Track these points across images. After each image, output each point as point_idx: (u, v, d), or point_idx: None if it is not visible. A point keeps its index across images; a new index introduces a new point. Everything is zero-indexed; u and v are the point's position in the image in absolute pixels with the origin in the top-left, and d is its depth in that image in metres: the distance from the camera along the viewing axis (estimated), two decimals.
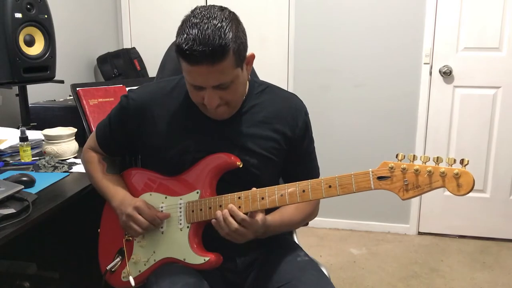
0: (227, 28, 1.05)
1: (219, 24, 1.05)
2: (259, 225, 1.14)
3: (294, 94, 1.34)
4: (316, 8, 2.93)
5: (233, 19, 1.09)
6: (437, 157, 0.99)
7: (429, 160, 1.00)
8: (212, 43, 1.03)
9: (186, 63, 1.07)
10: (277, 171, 1.32)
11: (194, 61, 1.05)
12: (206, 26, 1.04)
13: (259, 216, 1.14)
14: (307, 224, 1.59)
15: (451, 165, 0.98)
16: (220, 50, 1.04)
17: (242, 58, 1.12)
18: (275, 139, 1.25)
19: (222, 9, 1.11)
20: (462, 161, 0.96)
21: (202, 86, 1.11)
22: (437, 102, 2.90)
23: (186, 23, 1.06)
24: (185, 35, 1.04)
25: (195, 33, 1.03)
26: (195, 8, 1.11)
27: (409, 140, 2.97)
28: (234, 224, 1.11)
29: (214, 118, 1.21)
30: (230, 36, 1.05)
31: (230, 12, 1.11)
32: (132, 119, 1.28)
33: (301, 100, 1.33)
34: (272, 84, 1.33)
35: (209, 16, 1.06)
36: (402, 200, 1.04)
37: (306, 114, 1.31)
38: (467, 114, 2.88)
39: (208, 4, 1.13)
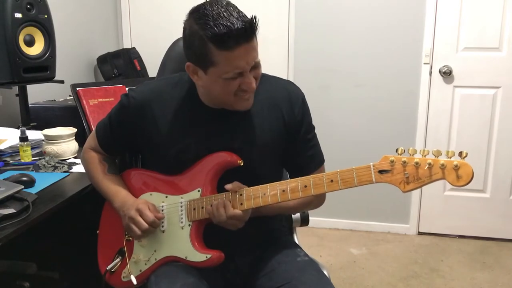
0: (239, 10, 1.10)
1: (234, 9, 1.09)
2: (248, 216, 1.17)
3: (290, 81, 1.35)
4: (316, 8, 2.93)
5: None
6: (437, 150, 1.01)
7: (428, 153, 1.02)
8: (244, 21, 1.06)
9: (226, 50, 1.07)
10: (279, 160, 1.32)
11: (235, 43, 1.06)
12: (228, 13, 1.07)
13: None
14: (307, 223, 1.59)
15: (450, 158, 1.00)
16: (252, 25, 1.08)
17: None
18: (273, 128, 1.25)
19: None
20: (460, 154, 0.99)
21: (243, 70, 1.11)
22: (437, 102, 2.90)
23: (204, 19, 1.07)
24: (216, 25, 1.05)
25: (223, 20, 1.05)
26: (200, 7, 1.10)
27: (409, 140, 2.97)
28: (223, 216, 1.14)
29: (243, 109, 1.21)
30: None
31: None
32: (132, 117, 1.27)
33: (297, 87, 1.33)
34: (266, 74, 1.32)
35: (221, 5, 1.08)
36: (403, 192, 1.05)
37: (303, 100, 1.30)
38: (467, 114, 2.88)
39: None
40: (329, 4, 2.92)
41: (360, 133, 3.02)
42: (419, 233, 3.09)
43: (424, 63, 2.86)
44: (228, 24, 1.05)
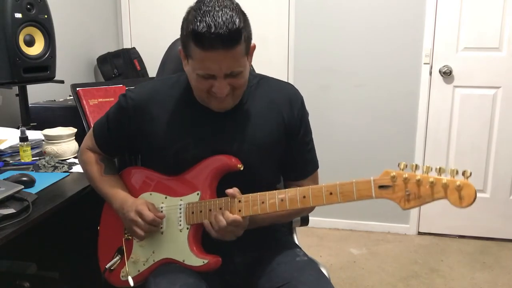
0: (238, 15, 1.08)
1: (230, 12, 1.07)
2: (247, 223, 1.17)
3: (289, 83, 1.35)
4: (316, 8, 2.93)
5: (240, 10, 1.12)
6: (439, 168, 0.97)
7: (431, 170, 0.98)
8: (228, 27, 1.05)
9: (200, 49, 1.07)
10: (276, 162, 1.32)
11: (210, 46, 1.06)
12: (219, 14, 1.05)
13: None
14: (307, 222, 1.58)
15: (454, 177, 0.97)
16: (236, 34, 1.06)
17: (248, 47, 1.14)
18: (272, 129, 1.25)
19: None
20: (464, 173, 0.95)
21: (215, 74, 1.11)
22: (437, 102, 2.90)
23: (198, 12, 1.07)
24: (199, 21, 1.05)
25: (209, 19, 1.05)
26: (200, 0, 1.11)
27: (409, 140, 2.97)
28: (223, 222, 1.13)
29: (217, 110, 1.20)
30: (242, 24, 1.08)
31: (237, 3, 1.13)
32: (131, 118, 1.27)
33: (296, 89, 1.32)
34: (265, 75, 1.33)
35: (220, 4, 1.07)
36: (403, 209, 1.03)
37: (302, 103, 1.30)
38: (467, 114, 2.88)
39: None
40: (329, 4, 2.92)
41: (360, 133, 3.02)
42: (419, 233, 3.09)
43: (424, 63, 2.86)
44: (211, 24, 1.04)
